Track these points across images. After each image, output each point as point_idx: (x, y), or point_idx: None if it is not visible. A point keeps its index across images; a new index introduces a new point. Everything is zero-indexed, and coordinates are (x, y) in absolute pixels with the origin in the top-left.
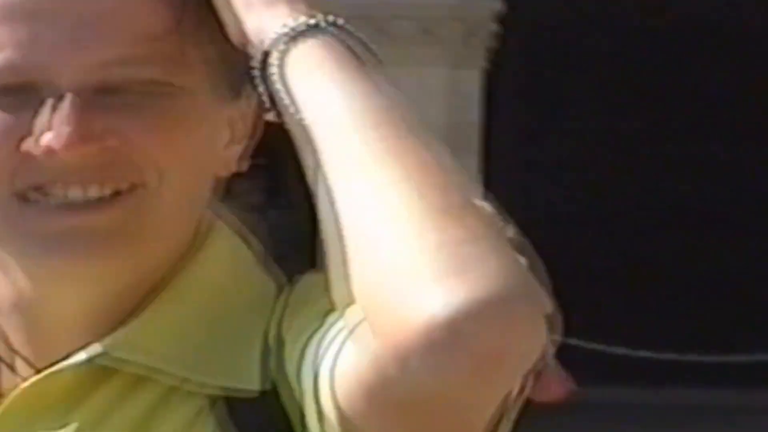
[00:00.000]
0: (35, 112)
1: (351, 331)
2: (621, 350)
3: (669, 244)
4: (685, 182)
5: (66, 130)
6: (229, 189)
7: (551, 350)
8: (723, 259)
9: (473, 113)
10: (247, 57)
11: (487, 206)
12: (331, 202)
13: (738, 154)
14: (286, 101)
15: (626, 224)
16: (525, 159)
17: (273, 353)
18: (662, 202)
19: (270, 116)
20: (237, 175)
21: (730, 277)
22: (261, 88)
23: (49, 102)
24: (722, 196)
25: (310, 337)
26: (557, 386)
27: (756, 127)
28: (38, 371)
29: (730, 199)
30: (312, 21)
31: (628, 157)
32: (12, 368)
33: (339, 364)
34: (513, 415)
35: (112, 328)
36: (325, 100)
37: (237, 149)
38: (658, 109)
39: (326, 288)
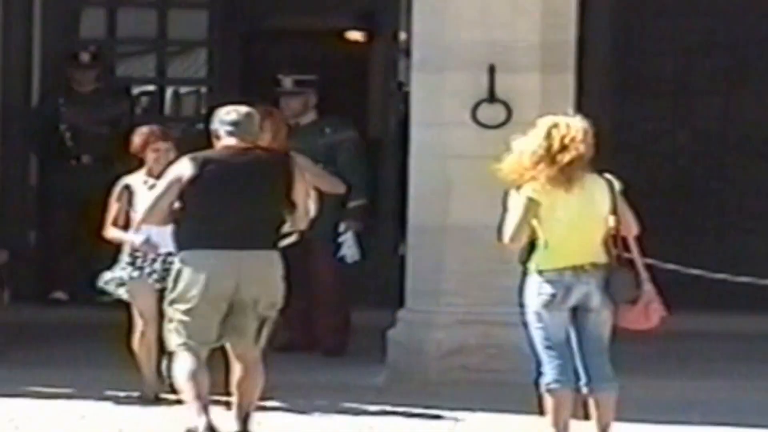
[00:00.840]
0: None
1: None
2: (720, 275)
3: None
4: None
5: None
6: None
7: (647, 280)
8: None
9: (569, 30)
10: None
11: None
12: None
13: None
14: None
15: (723, 145)
16: (621, 77)
17: None
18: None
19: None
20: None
21: None
22: None
23: None
24: None
25: None
26: (653, 315)
27: None
28: None
29: None
30: None
31: (723, 74)
32: None
33: None
34: None
35: None
36: None
37: None
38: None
39: None
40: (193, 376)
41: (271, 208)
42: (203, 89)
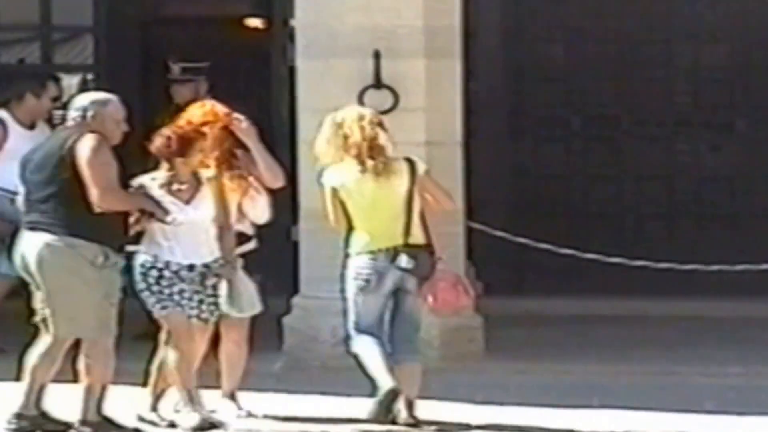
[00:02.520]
0: None
1: None
2: (616, 259)
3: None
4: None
5: None
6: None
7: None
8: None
9: (454, 15)
10: None
11: None
12: None
13: None
14: None
15: (617, 130)
16: (514, 62)
17: None
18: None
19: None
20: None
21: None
22: None
23: None
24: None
25: None
26: (461, 296)
27: None
28: None
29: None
30: None
31: (615, 59)
32: None
33: None
34: None
35: None
36: None
37: None
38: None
39: None
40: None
41: (56, 188)
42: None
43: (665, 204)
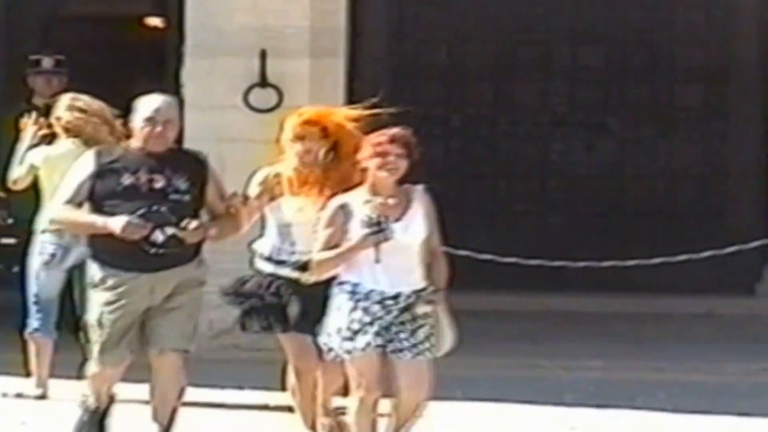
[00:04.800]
0: None
1: None
2: (487, 255)
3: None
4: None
5: None
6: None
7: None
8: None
9: (339, 17)
10: None
11: None
12: None
13: None
14: None
15: (494, 129)
16: (396, 62)
17: None
18: (525, 108)
19: None
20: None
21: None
22: None
23: None
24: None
25: None
26: None
27: None
28: None
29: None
30: None
31: (495, 60)
32: None
33: None
34: None
35: None
36: None
37: None
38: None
39: None
40: None
41: None
42: None
43: (538, 202)
